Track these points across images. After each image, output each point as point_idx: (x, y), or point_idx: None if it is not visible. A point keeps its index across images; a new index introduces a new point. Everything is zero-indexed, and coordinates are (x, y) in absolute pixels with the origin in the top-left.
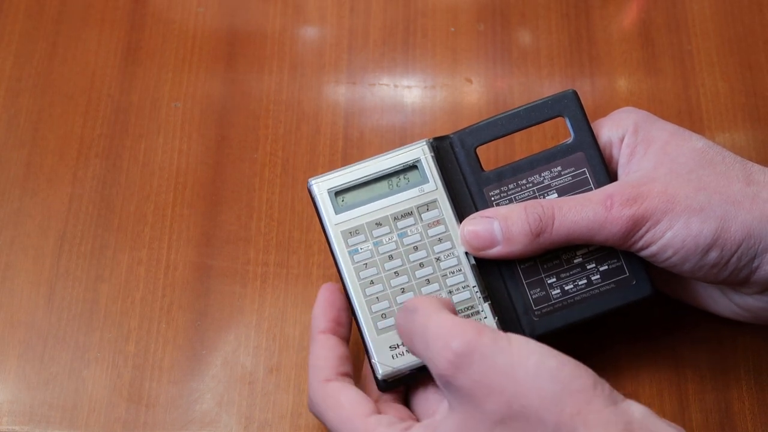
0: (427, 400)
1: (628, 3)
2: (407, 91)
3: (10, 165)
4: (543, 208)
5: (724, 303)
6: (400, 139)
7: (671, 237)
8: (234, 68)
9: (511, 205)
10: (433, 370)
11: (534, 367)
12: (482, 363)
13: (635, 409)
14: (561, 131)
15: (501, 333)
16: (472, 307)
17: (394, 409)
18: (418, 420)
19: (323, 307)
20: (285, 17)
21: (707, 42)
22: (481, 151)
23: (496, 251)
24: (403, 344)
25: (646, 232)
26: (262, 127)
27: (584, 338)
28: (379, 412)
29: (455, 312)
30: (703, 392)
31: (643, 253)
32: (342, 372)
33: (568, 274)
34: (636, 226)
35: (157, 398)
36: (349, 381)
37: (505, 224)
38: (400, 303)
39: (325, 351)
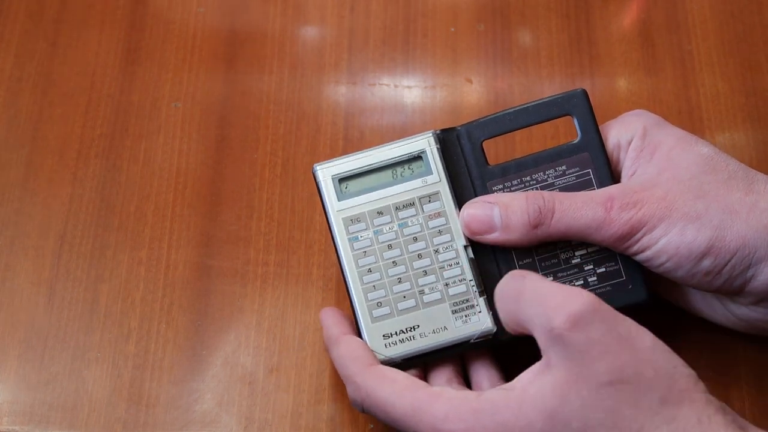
0: (487, 371)
1: (628, 3)
2: (407, 91)
3: (10, 165)
4: (544, 200)
5: (722, 312)
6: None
7: (665, 243)
8: (234, 68)
9: (513, 194)
10: (545, 325)
11: (651, 343)
12: (602, 325)
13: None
14: (561, 132)
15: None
16: (467, 300)
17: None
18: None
19: (333, 321)
20: (285, 17)
21: (707, 42)
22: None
23: (492, 237)
24: (496, 308)
25: (642, 236)
26: (262, 127)
27: None
28: None
29: None
30: None
31: (639, 257)
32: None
33: (565, 273)
34: (633, 230)
35: (157, 398)
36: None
37: (505, 212)
38: (397, 293)
39: (357, 344)
